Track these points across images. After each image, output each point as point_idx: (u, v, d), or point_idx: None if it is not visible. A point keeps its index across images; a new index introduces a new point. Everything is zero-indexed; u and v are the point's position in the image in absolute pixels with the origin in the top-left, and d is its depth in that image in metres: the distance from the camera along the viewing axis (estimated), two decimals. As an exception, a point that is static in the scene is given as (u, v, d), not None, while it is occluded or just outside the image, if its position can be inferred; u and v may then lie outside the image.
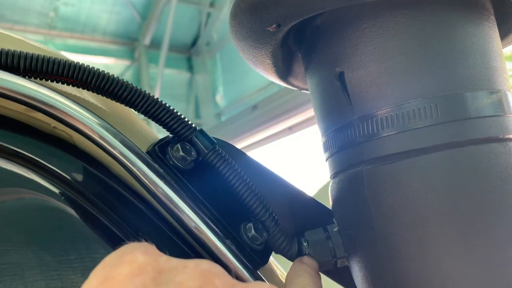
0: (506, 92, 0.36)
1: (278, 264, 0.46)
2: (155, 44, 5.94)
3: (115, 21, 5.89)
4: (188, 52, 6.37)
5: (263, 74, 0.44)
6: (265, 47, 0.37)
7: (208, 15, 5.64)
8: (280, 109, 3.84)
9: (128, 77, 6.31)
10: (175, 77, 6.45)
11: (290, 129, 3.91)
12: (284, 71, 0.43)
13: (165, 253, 0.36)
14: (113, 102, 0.38)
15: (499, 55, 0.37)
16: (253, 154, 4.46)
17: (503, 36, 0.41)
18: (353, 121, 0.36)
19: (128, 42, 6.30)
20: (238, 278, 0.36)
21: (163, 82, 6.14)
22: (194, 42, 6.18)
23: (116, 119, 0.40)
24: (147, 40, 6.06)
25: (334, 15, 0.36)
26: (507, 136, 0.34)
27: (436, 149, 0.33)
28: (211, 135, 0.41)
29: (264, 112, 4.14)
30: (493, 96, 0.35)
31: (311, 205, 0.43)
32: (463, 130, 0.33)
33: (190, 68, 6.40)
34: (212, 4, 5.54)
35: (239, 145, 4.70)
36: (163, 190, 0.36)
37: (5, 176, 0.34)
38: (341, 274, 0.41)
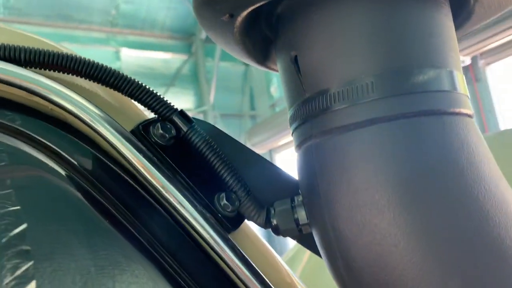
0: (453, 70, 0.38)
1: (257, 234, 0.50)
2: (211, 38, 6.06)
3: (172, 17, 6.10)
4: (243, 44, 6.43)
5: (241, 59, 0.48)
6: (229, 35, 0.42)
7: (262, 7, 5.67)
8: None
9: (185, 71, 6.52)
10: (230, 70, 6.59)
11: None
12: (260, 56, 0.47)
13: (144, 217, 0.42)
14: (115, 92, 0.44)
15: (449, 36, 0.39)
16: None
17: (459, 24, 0.43)
18: (305, 99, 0.39)
19: (185, 37, 6.50)
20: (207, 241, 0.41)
21: (219, 75, 6.29)
22: (248, 35, 6.23)
23: (114, 106, 0.46)
24: (203, 34, 6.22)
25: (289, 4, 0.40)
26: (451, 110, 0.37)
27: (377, 122, 0.36)
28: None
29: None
30: (438, 72, 0.37)
31: (285, 178, 0.47)
32: (404, 103, 0.36)
33: (245, 60, 6.48)
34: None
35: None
36: (141, 162, 0.41)
37: (13, 151, 0.41)
38: (309, 240, 0.45)
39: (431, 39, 0.37)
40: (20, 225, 0.37)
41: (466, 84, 0.39)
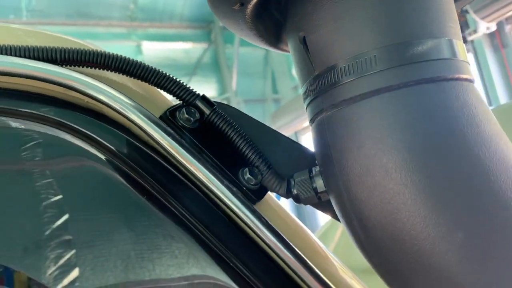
0: (452, 39, 0.41)
1: (280, 204, 0.54)
2: (229, 24, 6.07)
3: (189, 6, 6.13)
4: (261, 28, 6.42)
5: (255, 44, 0.51)
6: (242, 22, 0.45)
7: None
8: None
9: (206, 60, 6.56)
10: (251, 55, 6.60)
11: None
12: (272, 39, 0.51)
13: (178, 195, 0.46)
14: (143, 82, 0.48)
15: (447, 8, 0.41)
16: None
17: None
18: (315, 76, 0.43)
19: (204, 25, 6.53)
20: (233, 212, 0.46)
21: (240, 60, 6.30)
22: (266, 18, 6.22)
23: (143, 95, 0.51)
24: (221, 21, 6.22)
25: (295, -12, 0.43)
26: (451, 76, 0.39)
27: (381, 92, 0.39)
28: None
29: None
30: (436, 42, 0.40)
31: (302, 151, 0.50)
32: (405, 73, 0.39)
33: (265, 44, 6.47)
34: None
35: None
36: (171, 145, 0.46)
37: (57, 142, 0.46)
38: (327, 207, 0.49)
39: (428, 12, 0.40)
40: (63, 215, 0.42)
41: (466, 51, 0.42)
